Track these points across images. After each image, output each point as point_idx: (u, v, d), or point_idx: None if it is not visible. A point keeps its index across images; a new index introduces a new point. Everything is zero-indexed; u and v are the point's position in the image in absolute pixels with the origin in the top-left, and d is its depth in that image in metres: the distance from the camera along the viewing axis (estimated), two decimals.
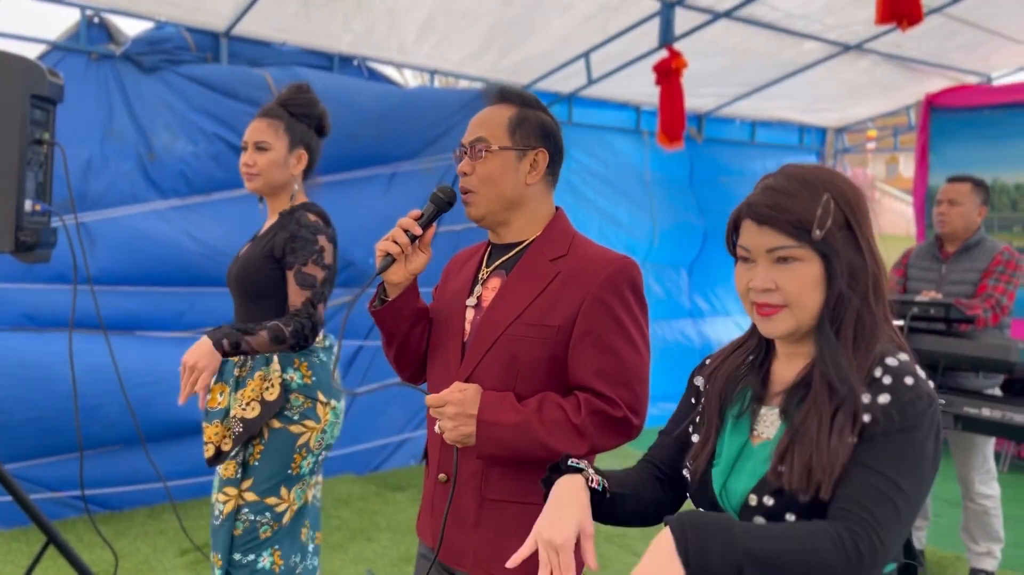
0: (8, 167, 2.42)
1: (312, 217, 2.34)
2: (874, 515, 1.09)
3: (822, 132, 7.80)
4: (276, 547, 2.35)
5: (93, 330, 3.79)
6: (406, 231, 1.63)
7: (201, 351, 2.15)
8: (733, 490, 1.23)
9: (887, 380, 1.16)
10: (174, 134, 4.17)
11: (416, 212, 1.65)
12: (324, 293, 2.32)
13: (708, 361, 1.39)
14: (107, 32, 4.10)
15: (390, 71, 5.38)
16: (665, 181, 6.67)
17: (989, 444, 3.54)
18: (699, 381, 1.39)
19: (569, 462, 1.32)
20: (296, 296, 2.29)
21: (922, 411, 1.14)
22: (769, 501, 1.18)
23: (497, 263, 1.71)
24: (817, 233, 1.18)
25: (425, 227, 1.65)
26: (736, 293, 1.24)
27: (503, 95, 1.71)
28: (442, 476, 1.67)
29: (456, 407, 1.54)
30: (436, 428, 1.59)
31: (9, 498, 3.71)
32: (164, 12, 4.19)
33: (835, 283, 1.20)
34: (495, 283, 1.68)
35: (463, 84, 5.97)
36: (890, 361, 1.18)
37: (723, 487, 1.24)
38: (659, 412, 6.88)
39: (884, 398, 1.15)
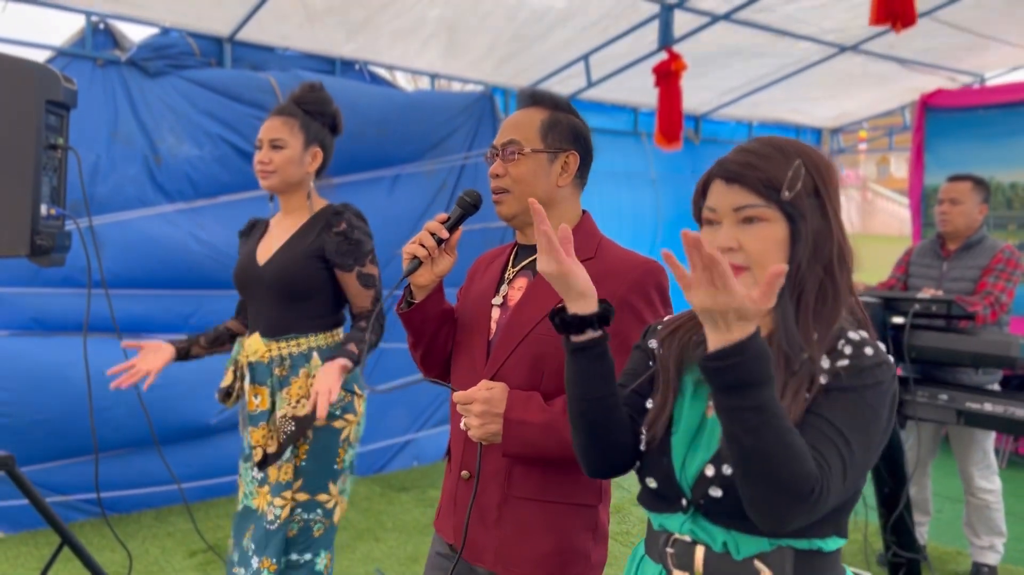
0: (24, 171, 2.44)
1: (357, 218, 2.39)
2: (825, 459, 1.08)
3: (817, 133, 7.86)
4: (328, 552, 2.39)
5: (103, 333, 3.81)
6: (433, 234, 1.65)
7: (331, 379, 2.20)
8: (691, 463, 1.20)
9: (848, 350, 1.17)
10: (179, 138, 4.19)
11: (443, 215, 1.67)
12: (380, 290, 2.41)
13: (660, 326, 1.36)
14: (112, 38, 4.13)
15: (395, 76, 5.43)
16: (663, 181, 6.71)
17: (989, 439, 3.59)
18: (653, 343, 1.35)
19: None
20: (362, 297, 2.37)
21: (880, 377, 1.14)
22: (727, 470, 1.15)
23: (524, 263, 1.73)
24: (786, 194, 1.18)
25: (451, 230, 1.67)
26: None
27: (535, 98, 1.73)
28: (465, 473, 1.69)
29: (483, 405, 1.56)
30: (462, 425, 1.61)
31: (17, 502, 3.74)
32: (169, 18, 4.22)
33: (799, 248, 1.18)
34: (521, 283, 1.71)
35: (457, 87, 6.01)
36: (852, 335, 1.18)
37: (684, 459, 1.21)
38: None
39: (843, 362, 1.15)
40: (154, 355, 2.40)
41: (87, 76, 3.98)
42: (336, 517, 2.39)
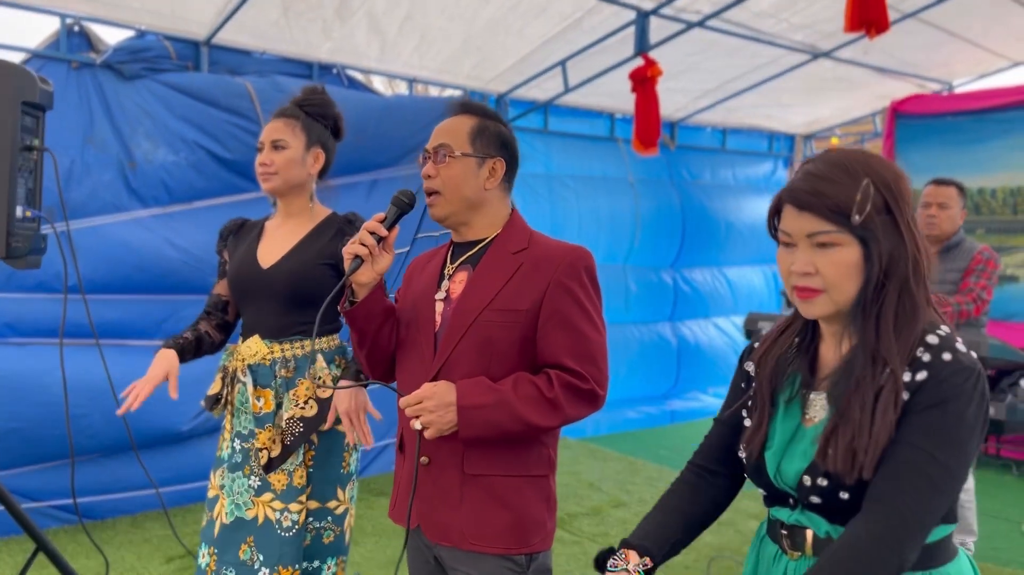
0: None
1: None
2: (907, 496, 1.15)
3: (791, 139, 7.96)
4: (342, 557, 2.35)
5: (78, 340, 3.77)
6: (372, 233, 1.72)
7: (354, 404, 2.23)
8: (787, 471, 1.30)
9: (926, 358, 1.20)
10: (155, 143, 4.16)
11: (380, 215, 1.75)
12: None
13: (756, 345, 1.43)
14: (87, 41, 4.10)
15: (371, 80, 5.43)
16: (642, 186, 6.77)
17: None
18: (749, 366, 1.43)
19: (608, 566, 1.37)
20: None
21: (960, 383, 1.18)
22: (822, 482, 1.24)
23: (462, 259, 1.83)
24: (856, 219, 1.21)
25: (389, 229, 1.74)
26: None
27: (465, 107, 1.85)
28: (424, 459, 1.76)
29: (434, 400, 1.65)
30: (416, 425, 1.67)
31: None
32: (145, 21, 4.20)
33: (873, 268, 1.22)
34: (462, 276, 1.80)
35: (434, 91, 6.02)
36: (931, 339, 1.22)
37: (777, 469, 1.31)
38: (637, 415, 6.95)
39: (922, 375, 1.19)
40: (160, 363, 2.33)
41: (61, 79, 3.95)
42: (347, 523, 2.36)
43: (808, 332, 1.36)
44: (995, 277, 3.60)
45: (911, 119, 6.37)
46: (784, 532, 1.34)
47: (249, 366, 2.32)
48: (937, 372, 1.19)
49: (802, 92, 6.60)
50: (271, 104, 4.41)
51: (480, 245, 1.82)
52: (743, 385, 1.45)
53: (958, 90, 6.78)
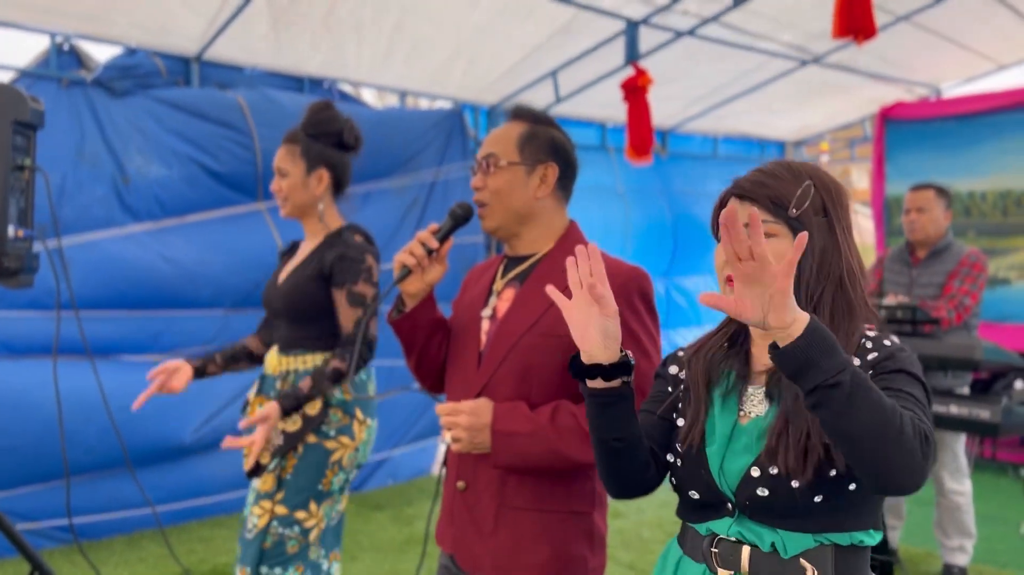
0: None
1: (358, 238, 2.40)
2: (911, 408, 1.13)
3: (781, 145, 7.99)
4: (300, 563, 2.37)
5: (72, 355, 3.75)
6: (423, 244, 1.69)
7: (262, 432, 2.21)
8: (730, 468, 1.25)
9: (870, 345, 1.25)
10: (148, 158, 4.16)
11: (434, 226, 1.72)
12: (375, 310, 2.32)
13: (682, 352, 1.42)
14: (77, 58, 4.09)
15: (361, 93, 5.43)
16: (632, 195, 6.78)
17: (959, 442, 3.66)
18: (673, 369, 1.42)
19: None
20: (347, 316, 2.32)
21: (909, 358, 1.23)
22: (773, 470, 1.20)
23: (511, 275, 1.76)
24: (793, 211, 1.25)
25: (442, 241, 1.71)
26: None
27: (517, 113, 1.78)
28: (460, 484, 1.71)
29: (470, 416, 1.60)
30: (447, 436, 1.64)
31: None
32: (135, 37, 4.19)
33: (804, 262, 1.25)
34: (509, 294, 1.74)
35: (424, 103, 6.02)
36: (869, 333, 1.27)
37: (721, 466, 1.26)
38: None
39: (872, 355, 1.23)
40: (175, 375, 2.43)
41: (52, 97, 3.94)
42: (312, 537, 2.38)
43: (741, 335, 1.36)
44: (981, 280, 3.59)
45: (901, 123, 6.40)
46: (715, 550, 1.26)
47: (262, 375, 2.45)
48: (885, 350, 1.23)
49: (792, 98, 6.64)
50: (263, 117, 4.41)
51: (530, 261, 1.75)
52: (669, 389, 1.41)
53: (946, 94, 6.81)
